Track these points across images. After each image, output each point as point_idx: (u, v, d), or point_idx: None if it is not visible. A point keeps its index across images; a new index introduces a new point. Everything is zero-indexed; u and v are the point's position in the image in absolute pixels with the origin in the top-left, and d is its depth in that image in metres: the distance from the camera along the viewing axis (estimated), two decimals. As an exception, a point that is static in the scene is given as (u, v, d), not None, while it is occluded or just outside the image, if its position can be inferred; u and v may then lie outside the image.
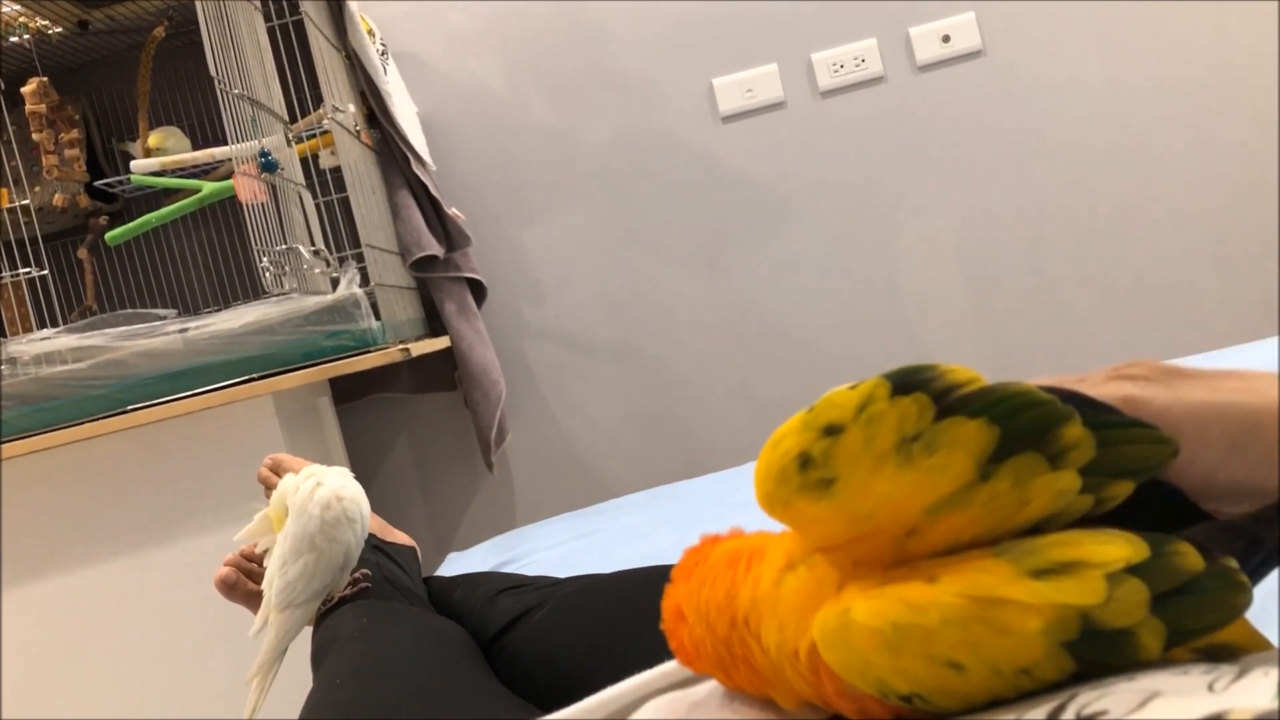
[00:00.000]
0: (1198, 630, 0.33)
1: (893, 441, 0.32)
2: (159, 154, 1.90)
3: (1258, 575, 0.34)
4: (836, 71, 2.16)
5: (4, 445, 1.57)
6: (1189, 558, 0.33)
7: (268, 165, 1.58)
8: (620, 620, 0.81)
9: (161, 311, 1.79)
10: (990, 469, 0.32)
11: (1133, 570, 0.32)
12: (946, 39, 2.13)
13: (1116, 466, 0.33)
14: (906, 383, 0.33)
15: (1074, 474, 0.33)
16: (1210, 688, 0.29)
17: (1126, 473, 0.34)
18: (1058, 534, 0.33)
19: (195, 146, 2.00)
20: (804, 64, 2.17)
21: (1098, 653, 0.31)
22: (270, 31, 1.81)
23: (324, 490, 1.06)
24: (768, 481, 0.34)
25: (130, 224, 1.78)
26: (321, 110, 1.79)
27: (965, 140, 2.15)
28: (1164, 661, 0.32)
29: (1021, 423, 0.33)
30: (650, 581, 0.87)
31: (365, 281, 1.71)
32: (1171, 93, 2.10)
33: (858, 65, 2.15)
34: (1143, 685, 0.30)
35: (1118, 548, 0.32)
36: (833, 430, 0.33)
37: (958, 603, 0.31)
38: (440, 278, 2.08)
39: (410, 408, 2.27)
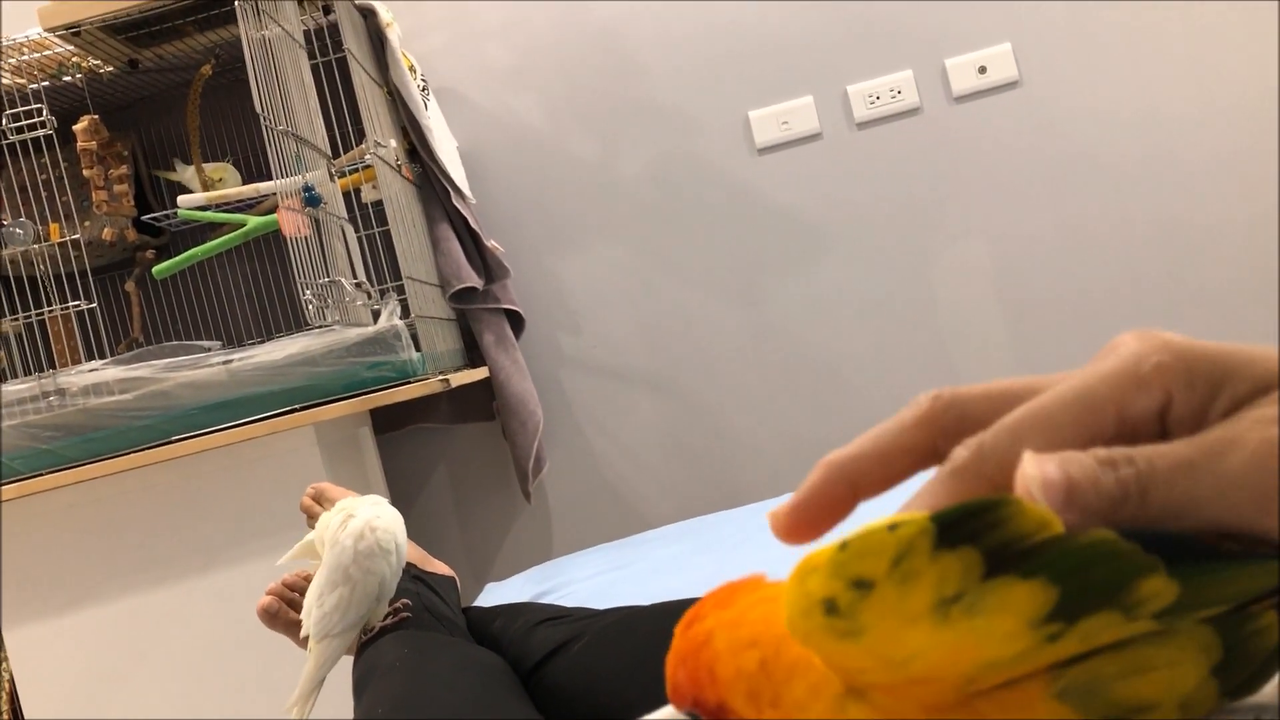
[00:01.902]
0: (1259, 689, 0.31)
1: (929, 603, 0.28)
2: (219, 186, 1.94)
3: None
4: (872, 103, 2.16)
5: (51, 475, 1.59)
6: (1266, 635, 0.29)
7: (311, 200, 1.61)
8: (659, 652, 0.81)
9: (206, 343, 1.82)
10: (1055, 630, 0.28)
11: (1210, 672, 0.29)
12: (983, 70, 2.13)
13: (1198, 605, 0.29)
14: (955, 534, 0.28)
15: (1149, 620, 0.29)
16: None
17: (1207, 606, 0.29)
18: (1123, 655, 0.29)
19: (241, 181, 2.04)
20: (840, 95, 2.18)
21: None
22: (314, 69, 1.85)
23: (356, 522, 1.07)
24: (793, 613, 0.31)
25: (176, 258, 1.81)
26: (364, 145, 1.82)
27: (1001, 171, 2.14)
28: None
29: (1089, 581, 0.28)
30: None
31: (406, 313, 1.73)
32: (1208, 121, 2.09)
33: (894, 97, 2.16)
34: None
35: (1194, 666, 0.29)
36: (862, 585, 0.29)
37: None
38: (479, 309, 2.09)
39: (449, 438, 2.28)
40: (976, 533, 0.28)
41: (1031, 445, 0.29)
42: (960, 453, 0.30)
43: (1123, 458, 0.28)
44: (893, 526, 0.29)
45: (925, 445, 0.32)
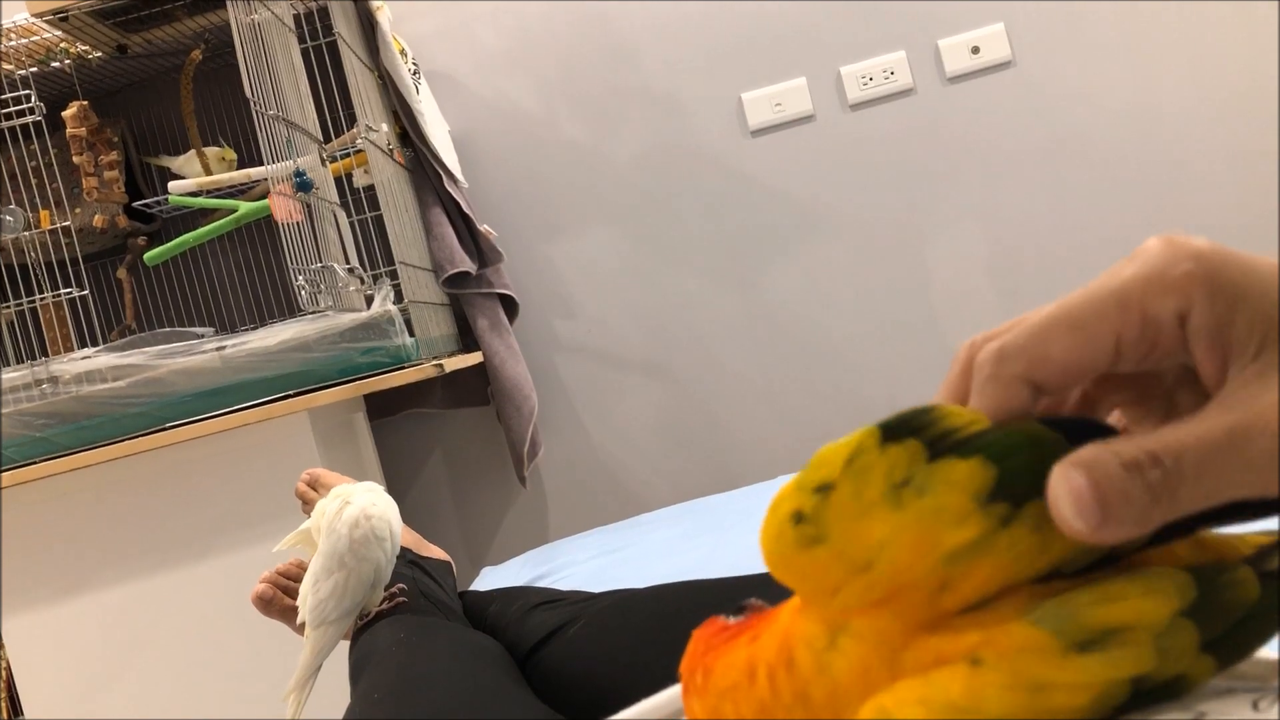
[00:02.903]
0: (1249, 652, 0.31)
1: (881, 490, 0.31)
2: (229, 167, 1.94)
3: None
4: (866, 84, 2.16)
5: (44, 463, 1.59)
6: (1245, 587, 0.30)
7: (303, 185, 1.60)
8: (655, 635, 0.81)
9: (199, 330, 1.81)
10: (1003, 511, 0.30)
11: (1184, 613, 0.30)
12: (976, 50, 2.13)
13: None
14: (898, 430, 0.32)
15: None
16: (1255, 706, 0.29)
17: None
18: (1097, 587, 0.31)
19: (242, 160, 2.03)
20: (833, 77, 2.17)
21: (1146, 702, 0.30)
22: (304, 53, 1.83)
23: (351, 509, 1.07)
24: (767, 542, 0.33)
25: (168, 244, 1.80)
26: (355, 130, 1.81)
27: (995, 151, 2.14)
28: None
29: (1022, 461, 0.30)
30: (685, 597, 0.87)
31: (399, 298, 1.73)
32: (1202, 103, 2.09)
33: (887, 78, 2.15)
34: (1188, 705, 0.30)
35: (1165, 599, 0.30)
36: (824, 488, 0.32)
37: (1004, 696, 0.29)
38: (473, 294, 2.09)
39: (444, 423, 2.28)
40: (917, 428, 0.31)
41: (1056, 343, 0.31)
42: (982, 358, 0.32)
43: (1148, 459, 0.28)
44: (844, 440, 0.32)
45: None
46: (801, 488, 0.33)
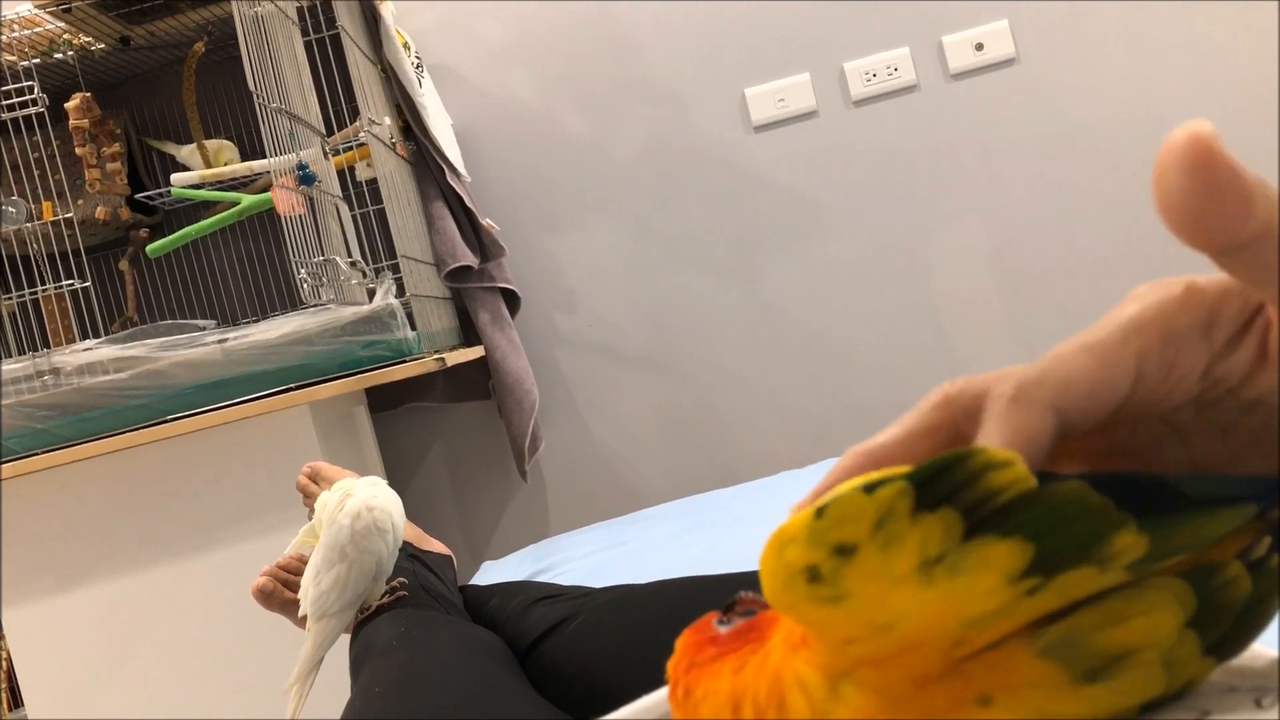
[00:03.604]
0: (1246, 645, 0.31)
1: (912, 564, 0.29)
2: (224, 163, 1.94)
3: None
4: (869, 80, 2.15)
5: (45, 455, 1.59)
6: (1238, 584, 0.30)
7: (305, 178, 1.60)
8: (655, 631, 0.81)
9: (201, 322, 1.81)
10: (1033, 584, 0.29)
11: (1188, 624, 0.29)
12: (980, 47, 2.12)
13: (1166, 553, 0.29)
14: (932, 494, 0.29)
15: (1121, 570, 0.29)
16: (1258, 704, 0.30)
17: (1176, 553, 0.30)
18: (1101, 607, 0.30)
19: (243, 153, 2.03)
20: (836, 73, 2.17)
21: (1152, 710, 0.30)
22: (307, 46, 1.83)
23: (353, 501, 1.07)
24: (773, 585, 0.31)
25: (170, 236, 1.80)
26: (358, 123, 1.81)
27: (998, 148, 2.14)
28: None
29: (1064, 539, 0.29)
30: (685, 593, 0.87)
31: (401, 292, 1.73)
32: (1205, 99, 2.08)
33: (890, 74, 2.15)
34: (1191, 704, 0.30)
35: (1170, 614, 0.29)
36: (844, 550, 0.29)
37: None
38: (474, 288, 2.09)
39: (445, 417, 2.28)
40: (953, 491, 0.29)
41: (1078, 367, 0.30)
42: (1001, 389, 0.31)
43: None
44: (869, 488, 0.29)
45: (947, 424, 0.33)
46: (818, 541, 0.30)
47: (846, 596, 0.29)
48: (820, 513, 0.30)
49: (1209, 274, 0.31)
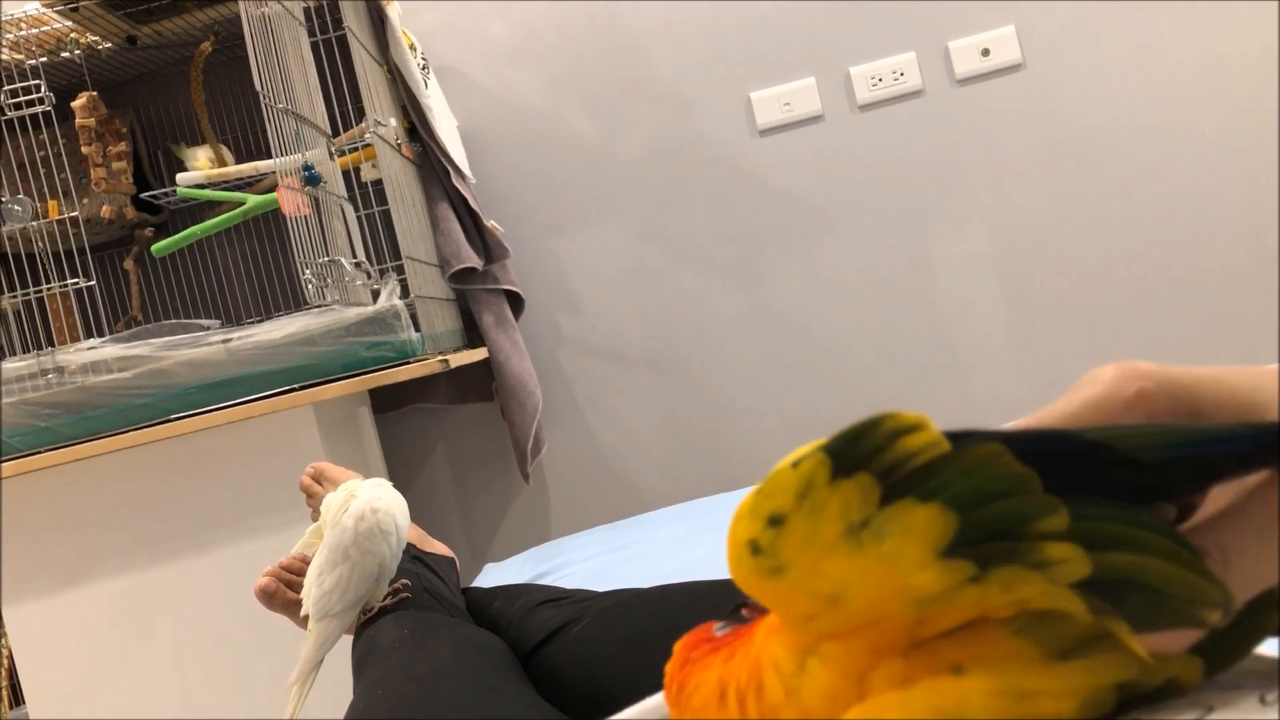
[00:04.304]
0: (1242, 655, 0.31)
1: (838, 530, 0.30)
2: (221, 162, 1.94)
3: None
4: (875, 85, 2.15)
5: (49, 453, 1.59)
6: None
7: (311, 178, 1.60)
8: (658, 636, 0.81)
9: (205, 322, 1.81)
10: (971, 571, 0.29)
11: None
12: (986, 53, 2.12)
13: (1118, 573, 0.29)
14: (847, 461, 0.30)
15: (1067, 591, 0.29)
16: (1262, 700, 0.30)
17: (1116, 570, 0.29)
18: None
19: (239, 160, 2.03)
20: (842, 77, 2.17)
21: (1134, 707, 0.30)
22: (314, 46, 1.83)
23: (358, 503, 1.07)
24: (730, 562, 0.32)
25: (175, 236, 1.80)
26: (364, 124, 1.81)
27: (1003, 153, 2.14)
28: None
29: (986, 514, 0.29)
30: (687, 597, 0.87)
31: (405, 293, 1.73)
32: (1212, 105, 2.08)
33: (896, 79, 2.15)
34: (1196, 700, 0.30)
35: None
36: (776, 520, 0.31)
37: (988, 702, 0.29)
38: (478, 290, 2.09)
39: (448, 418, 2.28)
40: (867, 459, 0.30)
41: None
42: None
43: None
44: (795, 463, 0.31)
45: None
46: (755, 515, 0.32)
47: (786, 567, 0.31)
48: (759, 489, 0.32)
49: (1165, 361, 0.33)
